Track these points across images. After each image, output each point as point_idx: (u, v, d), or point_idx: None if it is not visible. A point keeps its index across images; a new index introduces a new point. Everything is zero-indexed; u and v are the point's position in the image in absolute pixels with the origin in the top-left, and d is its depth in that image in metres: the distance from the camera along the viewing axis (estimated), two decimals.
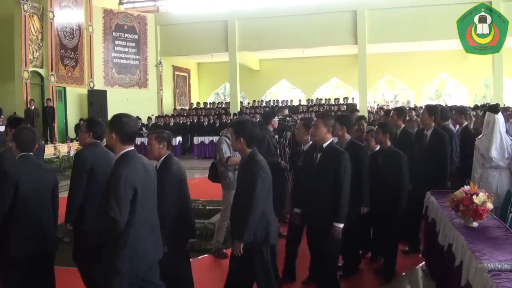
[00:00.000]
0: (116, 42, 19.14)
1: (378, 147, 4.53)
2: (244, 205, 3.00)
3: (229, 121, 15.24)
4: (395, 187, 4.19)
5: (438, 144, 4.81)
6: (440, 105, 8.19)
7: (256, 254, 3.05)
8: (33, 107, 14.70)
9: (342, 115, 4.93)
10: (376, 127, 4.55)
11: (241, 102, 21.28)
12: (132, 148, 2.76)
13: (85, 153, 3.54)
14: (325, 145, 3.48)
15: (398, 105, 24.44)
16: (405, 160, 4.25)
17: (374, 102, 24.79)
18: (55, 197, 3.34)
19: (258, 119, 6.19)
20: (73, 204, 3.44)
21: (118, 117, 2.78)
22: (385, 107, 19.09)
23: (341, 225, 3.36)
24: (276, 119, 5.72)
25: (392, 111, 5.99)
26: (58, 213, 3.38)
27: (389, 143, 4.36)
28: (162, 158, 3.48)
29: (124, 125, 2.73)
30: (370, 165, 4.21)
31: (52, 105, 15.52)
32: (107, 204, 2.51)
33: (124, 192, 2.54)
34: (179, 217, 3.40)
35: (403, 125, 5.16)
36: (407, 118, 8.60)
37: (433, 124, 4.91)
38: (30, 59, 15.04)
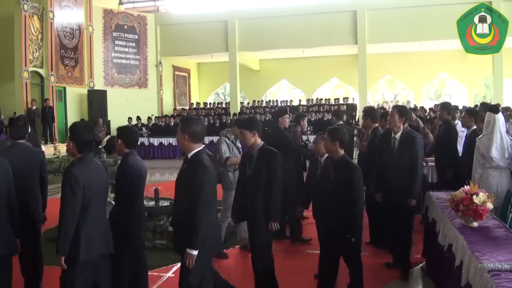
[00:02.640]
0: (116, 42, 19.14)
1: (326, 155, 4.01)
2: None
3: (229, 121, 15.24)
4: (349, 205, 3.55)
5: (408, 149, 4.28)
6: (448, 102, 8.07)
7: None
8: (34, 107, 14.71)
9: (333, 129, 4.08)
10: (326, 133, 3.77)
11: (241, 102, 21.28)
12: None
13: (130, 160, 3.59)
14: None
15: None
16: (359, 173, 3.59)
17: (375, 101, 24.78)
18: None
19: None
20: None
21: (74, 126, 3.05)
22: (385, 105, 19.09)
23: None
24: (286, 117, 5.70)
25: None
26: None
27: (341, 152, 3.64)
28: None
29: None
30: (321, 177, 3.86)
31: (51, 105, 15.52)
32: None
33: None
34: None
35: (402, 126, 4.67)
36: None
37: (402, 127, 4.41)
38: (30, 59, 15.04)
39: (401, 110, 4.42)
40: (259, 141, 3.64)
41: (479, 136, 4.77)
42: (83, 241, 2.80)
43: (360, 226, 3.60)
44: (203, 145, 3.00)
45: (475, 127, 5.47)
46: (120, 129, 3.71)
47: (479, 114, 5.68)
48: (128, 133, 3.68)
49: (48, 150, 12.68)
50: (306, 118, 6.10)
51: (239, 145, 5.08)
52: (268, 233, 3.56)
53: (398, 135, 4.35)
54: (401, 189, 4.20)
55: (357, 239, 3.55)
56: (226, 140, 4.94)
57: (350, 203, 3.49)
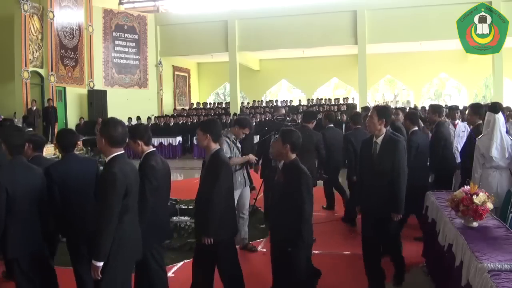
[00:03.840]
0: (116, 42, 19.14)
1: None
2: None
3: (229, 121, 15.24)
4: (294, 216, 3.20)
5: (390, 155, 3.78)
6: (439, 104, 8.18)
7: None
8: (34, 108, 14.68)
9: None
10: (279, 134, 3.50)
11: (241, 102, 21.28)
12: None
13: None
14: None
15: (398, 105, 24.46)
16: (306, 179, 3.22)
17: (375, 101, 24.78)
18: None
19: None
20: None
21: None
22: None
23: None
24: (314, 121, 5.98)
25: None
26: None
27: (292, 156, 3.33)
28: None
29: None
30: (274, 183, 3.63)
31: (53, 105, 15.51)
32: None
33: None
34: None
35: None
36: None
37: (383, 130, 3.88)
38: (30, 59, 15.04)
39: (380, 111, 3.90)
40: (214, 146, 3.51)
41: (479, 136, 4.77)
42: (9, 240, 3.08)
43: (305, 236, 3.17)
44: (123, 150, 2.87)
45: (480, 122, 5.30)
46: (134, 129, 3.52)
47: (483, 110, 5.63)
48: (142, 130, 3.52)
49: (48, 150, 12.67)
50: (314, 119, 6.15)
51: (239, 145, 5.10)
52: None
53: (379, 139, 3.85)
54: (383, 201, 3.75)
55: (296, 248, 3.19)
56: (227, 140, 4.95)
57: (296, 210, 3.18)
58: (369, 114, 3.96)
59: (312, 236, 3.37)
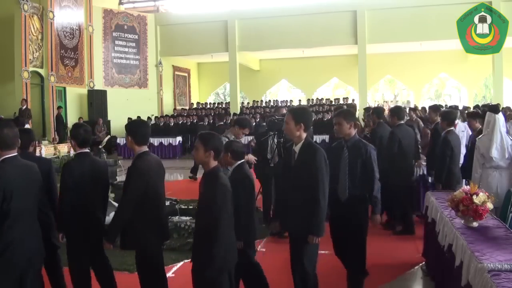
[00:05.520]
0: (116, 42, 19.14)
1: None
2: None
3: (229, 121, 15.23)
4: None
5: (307, 167, 3.22)
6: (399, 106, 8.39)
7: None
8: (24, 107, 14.37)
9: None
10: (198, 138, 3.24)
11: (241, 102, 21.28)
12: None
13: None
14: None
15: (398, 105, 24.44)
16: (220, 184, 2.81)
17: (375, 101, 24.77)
18: None
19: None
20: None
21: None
22: (386, 105, 19.05)
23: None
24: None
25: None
26: None
27: (213, 163, 2.91)
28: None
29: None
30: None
31: (61, 114, 15.89)
32: None
33: None
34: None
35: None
36: (407, 118, 8.64)
37: (303, 136, 3.30)
38: (30, 59, 15.03)
39: (297, 114, 3.35)
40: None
41: (479, 136, 4.78)
42: None
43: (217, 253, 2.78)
44: (16, 153, 2.82)
45: (480, 127, 5.36)
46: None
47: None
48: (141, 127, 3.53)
49: (48, 150, 12.69)
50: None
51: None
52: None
53: (298, 148, 3.31)
54: (299, 219, 3.24)
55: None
56: (226, 140, 4.93)
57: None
58: (285, 118, 3.45)
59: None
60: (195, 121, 17.63)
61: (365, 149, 3.58)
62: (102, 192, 3.56)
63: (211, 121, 17.12)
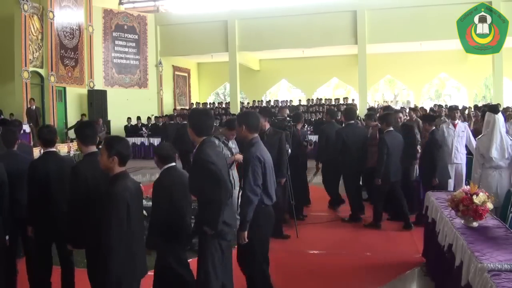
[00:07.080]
0: (116, 42, 19.14)
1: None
2: None
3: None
4: None
5: (195, 174, 3.14)
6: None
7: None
8: (34, 107, 14.60)
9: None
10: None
11: (241, 102, 21.28)
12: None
13: None
14: None
15: (399, 105, 24.47)
16: (112, 193, 2.62)
17: (375, 101, 24.77)
18: None
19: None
20: None
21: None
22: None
23: None
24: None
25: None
26: None
27: (120, 169, 2.77)
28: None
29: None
30: None
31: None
32: None
33: None
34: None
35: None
36: (407, 117, 8.67)
37: (199, 140, 3.20)
38: (30, 59, 15.03)
39: (239, 117, 3.66)
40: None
41: (479, 136, 4.78)
42: None
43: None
44: None
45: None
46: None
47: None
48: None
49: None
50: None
51: (232, 146, 5.00)
52: None
53: None
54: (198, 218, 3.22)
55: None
56: (217, 141, 4.89)
57: None
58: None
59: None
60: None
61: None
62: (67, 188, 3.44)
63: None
